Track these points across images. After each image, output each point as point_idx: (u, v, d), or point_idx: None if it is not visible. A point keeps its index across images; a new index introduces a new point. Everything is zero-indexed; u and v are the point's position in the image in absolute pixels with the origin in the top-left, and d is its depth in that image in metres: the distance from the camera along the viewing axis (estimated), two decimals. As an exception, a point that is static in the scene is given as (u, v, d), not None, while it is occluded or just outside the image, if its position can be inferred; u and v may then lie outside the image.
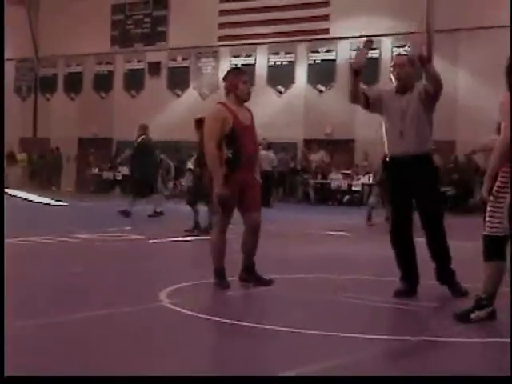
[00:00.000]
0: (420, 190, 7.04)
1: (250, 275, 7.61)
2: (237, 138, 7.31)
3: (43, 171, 33.11)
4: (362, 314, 6.53)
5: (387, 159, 7.29)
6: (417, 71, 7.12)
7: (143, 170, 16.78)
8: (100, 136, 32.59)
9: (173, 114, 31.01)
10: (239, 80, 7.55)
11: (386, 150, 7.26)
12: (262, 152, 20.45)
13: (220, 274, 7.47)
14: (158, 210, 16.97)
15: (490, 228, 5.90)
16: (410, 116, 7.07)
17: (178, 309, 6.27)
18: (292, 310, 6.58)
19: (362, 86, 7.39)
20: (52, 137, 33.76)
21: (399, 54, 8.55)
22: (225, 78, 7.66)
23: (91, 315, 5.98)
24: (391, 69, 7.25)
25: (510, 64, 5.97)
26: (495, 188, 5.90)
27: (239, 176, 7.31)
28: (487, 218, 5.93)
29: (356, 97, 7.30)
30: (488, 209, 5.95)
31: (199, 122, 13.04)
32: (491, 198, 5.91)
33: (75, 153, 33.53)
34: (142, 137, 16.92)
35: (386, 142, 7.26)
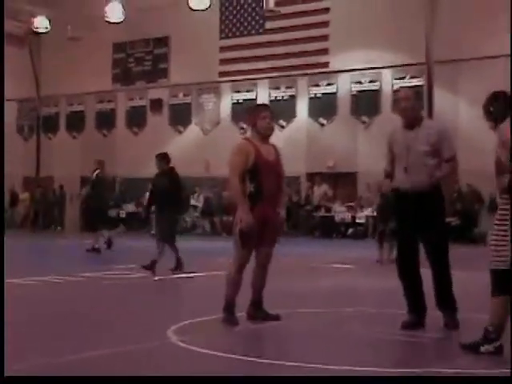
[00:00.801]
0: (425, 222, 7.04)
1: (257, 311, 7.61)
2: (259, 172, 7.39)
3: (47, 210, 33.12)
4: (370, 347, 6.51)
5: (394, 192, 7.32)
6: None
7: (96, 203, 17.75)
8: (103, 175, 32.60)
9: (175, 150, 30.97)
10: (257, 116, 7.63)
11: (394, 183, 7.29)
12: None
13: (230, 309, 7.46)
14: (96, 246, 17.39)
15: (495, 262, 5.90)
16: (415, 153, 7.08)
17: (187, 346, 6.25)
18: (303, 345, 6.57)
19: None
20: (55, 175, 33.84)
21: (403, 87, 8.65)
22: (246, 115, 7.82)
23: (100, 354, 5.97)
24: (397, 103, 7.32)
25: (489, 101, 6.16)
26: (497, 218, 5.92)
27: (260, 210, 7.36)
28: (492, 252, 5.93)
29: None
30: (491, 241, 5.96)
31: (161, 156, 13.49)
32: (494, 231, 5.93)
33: (78, 191, 33.57)
34: (97, 172, 17.86)
35: (395, 176, 7.30)
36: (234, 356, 5.96)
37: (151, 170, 31.36)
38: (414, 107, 7.22)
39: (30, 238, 20.56)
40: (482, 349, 5.91)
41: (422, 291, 7.18)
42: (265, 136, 7.61)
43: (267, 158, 7.51)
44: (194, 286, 11.46)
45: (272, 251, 7.60)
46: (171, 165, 13.57)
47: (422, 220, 7.04)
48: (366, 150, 26.61)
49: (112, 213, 30.77)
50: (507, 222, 5.86)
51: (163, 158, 13.57)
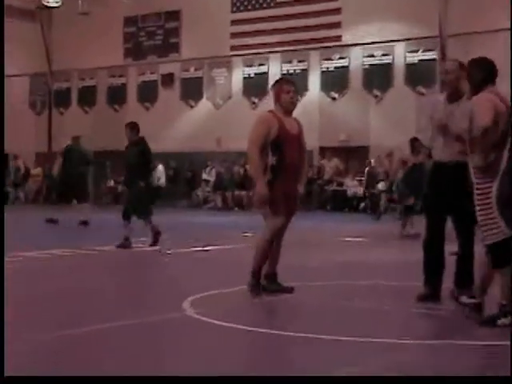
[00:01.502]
0: (461, 196, 6.87)
1: (272, 283, 7.62)
2: (282, 145, 7.39)
3: (61, 185, 33.05)
4: (386, 320, 6.51)
5: (433, 164, 7.25)
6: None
7: (67, 176, 17.72)
8: (115, 149, 32.63)
9: (187, 125, 31.09)
10: (281, 90, 7.64)
11: (433, 156, 7.22)
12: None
13: (257, 277, 7.46)
14: (83, 219, 17.18)
15: (490, 236, 5.91)
16: (456, 127, 6.90)
17: (203, 318, 6.26)
18: (318, 317, 6.59)
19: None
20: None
21: (450, 60, 8.49)
22: (271, 88, 7.84)
23: (116, 325, 6.00)
24: (442, 75, 7.23)
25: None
26: (478, 198, 5.93)
27: (282, 183, 7.38)
28: (483, 229, 5.97)
29: None
30: (480, 221, 5.99)
31: (131, 126, 12.88)
32: (477, 209, 5.93)
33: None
34: (67, 144, 18.02)
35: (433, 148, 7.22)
36: (246, 328, 5.97)
37: (163, 144, 31.47)
38: (457, 79, 7.05)
39: (43, 212, 20.59)
40: (499, 322, 5.93)
41: (444, 265, 7.16)
42: (288, 110, 7.61)
43: (291, 130, 7.51)
44: (207, 259, 11.47)
45: (287, 225, 7.59)
46: (141, 135, 13.00)
47: (458, 193, 6.92)
48: (378, 125, 26.52)
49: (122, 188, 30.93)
50: (489, 200, 5.88)
51: (133, 127, 12.96)
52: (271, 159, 7.39)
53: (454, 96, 7.07)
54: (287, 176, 7.42)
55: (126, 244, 12.18)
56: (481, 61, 6.31)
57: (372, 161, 25.76)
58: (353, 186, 26.73)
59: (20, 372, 4.22)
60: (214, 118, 30.21)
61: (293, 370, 4.77)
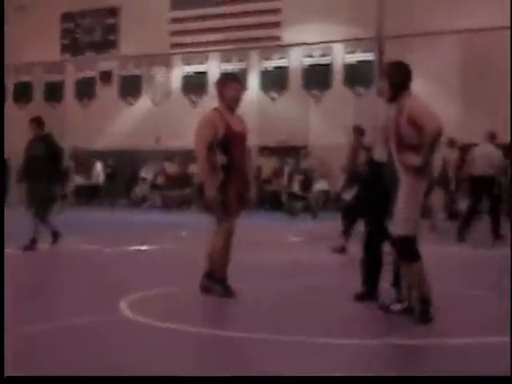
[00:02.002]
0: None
1: (213, 283, 7.48)
2: (230, 144, 7.36)
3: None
4: (325, 318, 6.53)
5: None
6: None
7: None
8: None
9: (126, 123, 30.82)
10: (224, 87, 7.58)
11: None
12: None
13: (210, 277, 7.40)
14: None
15: (404, 227, 6.13)
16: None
17: (141, 319, 6.18)
18: (256, 317, 6.56)
19: None
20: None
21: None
22: (216, 85, 7.72)
23: (47, 328, 5.88)
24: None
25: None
26: (405, 192, 6.12)
27: (235, 183, 7.34)
28: (402, 221, 6.15)
29: None
30: (399, 211, 6.17)
31: (37, 121, 12.24)
32: (403, 200, 6.15)
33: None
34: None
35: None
36: (186, 328, 5.91)
37: (101, 142, 31.18)
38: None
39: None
40: (393, 307, 6.42)
41: (382, 264, 7.22)
42: (232, 107, 7.56)
43: (237, 129, 7.48)
44: (146, 258, 11.38)
45: (234, 223, 7.54)
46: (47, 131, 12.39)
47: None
48: (317, 125, 26.66)
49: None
50: (418, 197, 6.11)
51: (38, 122, 12.27)
52: (221, 159, 7.34)
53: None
54: (238, 175, 7.40)
55: (30, 246, 11.58)
56: (400, 64, 6.41)
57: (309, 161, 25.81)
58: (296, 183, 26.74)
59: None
60: (153, 116, 30.00)
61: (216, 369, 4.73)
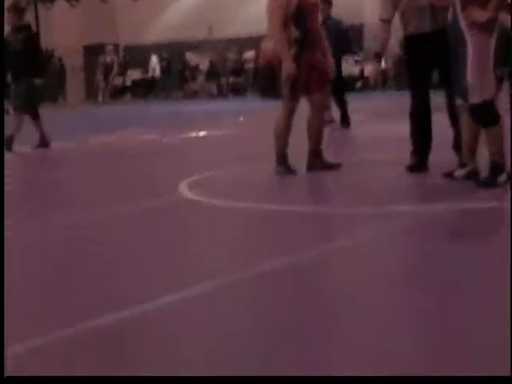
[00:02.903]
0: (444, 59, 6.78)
1: (316, 160, 7.34)
2: (304, 15, 7.06)
3: (50, 84, 32.70)
4: (379, 190, 6.45)
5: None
6: None
7: None
8: (105, 42, 32.11)
9: (177, 13, 30.49)
10: None
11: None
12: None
13: (283, 160, 7.22)
14: None
15: (478, 95, 5.80)
16: None
17: (200, 198, 6.18)
18: (322, 192, 6.53)
19: None
20: (56, 48, 33.29)
21: None
22: None
23: (116, 212, 5.92)
24: None
25: None
26: (472, 54, 5.79)
27: (308, 56, 7.10)
28: (472, 89, 5.82)
29: None
30: (469, 78, 5.84)
31: (14, 9, 11.00)
32: (470, 65, 5.80)
33: (81, 62, 33.11)
34: None
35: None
36: (243, 205, 5.88)
37: (154, 36, 30.94)
38: None
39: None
40: (499, 180, 5.90)
41: (431, 134, 7.05)
42: None
43: (310, 0, 7.16)
44: (205, 144, 11.37)
45: (325, 94, 7.35)
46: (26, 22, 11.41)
47: (439, 59, 6.78)
48: (373, 1, 25.94)
49: (115, 81, 30.58)
50: (485, 56, 5.76)
51: (15, 10, 11.04)
52: (294, 32, 7.05)
53: None
54: (313, 48, 7.12)
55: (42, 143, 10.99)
56: None
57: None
58: (348, 66, 26.32)
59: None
60: (204, 6, 29.57)
61: (288, 245, 4.70)
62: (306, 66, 7.10)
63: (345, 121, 11.84)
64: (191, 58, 28.73)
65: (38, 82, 10.81)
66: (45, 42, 33.47)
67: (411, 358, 2.71)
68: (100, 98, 26.77)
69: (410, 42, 7.04)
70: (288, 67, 7.04)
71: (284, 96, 7.20)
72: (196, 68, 29.16)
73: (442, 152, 6.97)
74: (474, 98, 5.86)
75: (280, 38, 7.07)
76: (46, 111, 17.27)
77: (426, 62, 6.94)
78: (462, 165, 6.34)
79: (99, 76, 29.25)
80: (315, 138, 7.35)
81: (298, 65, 7.05)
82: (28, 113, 10.84)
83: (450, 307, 3.22)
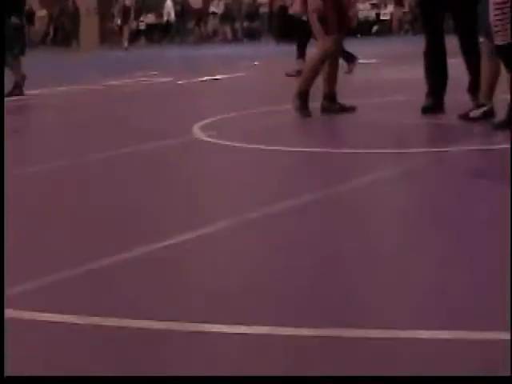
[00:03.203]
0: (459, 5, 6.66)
1: (331, 103, 7.30)
2: None
3: (64, 27, 32.54)
4: (396, 132, 6.41)
5: None
6: None
7: None
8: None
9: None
10: None
11: None
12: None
13: (304, 97, 7.09)
14: None
15: (501, 37, 5.67)
16: None
17: (214, 140, 6.15)
18: (336, 133, 6.51)
19: None
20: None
21: None
22: None
23: (124, 151, 5.91)
24: None
25: None
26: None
27: None
28: (495, 30, 5.69)
29: None
30: (492, 21, 5.70)
31: None
32: (492, 7, 5.66)
33: (95, 5, 32.82)
34: None
35: None
36: (260, 146, 5.85)
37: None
38: None
39: (52, 54, 20.36)
40: (472, 114, 6.03)
41: (447, 74, 6.95)
42: None
43: None
44: (219, 87, 11.30)
45: (336, 40, 7.23)
46: None
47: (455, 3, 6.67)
48: None
49: (131, 25, 30.34)
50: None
51: None
52: None
53: None
54: None
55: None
56: None
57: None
58: (364, 10, 26.04)
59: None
60: None
61: (312, 184, 4.68)
62: (335, 4, 7.02)
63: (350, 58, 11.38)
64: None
65: (14, 20, 9.95)
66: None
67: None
68: (126, 44, 26.36)
69: None
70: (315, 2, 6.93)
71: (319, 34, 7.09)
72: (202, 11, 28.85)
73: (456, 94, 6.89)
74: (498, 40, 5.75)
75: None
76: (59, 55, 17.20)
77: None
78: (478, 106, 6.28)
79: (117, 19, 28.92)
80: (329, 80, 7.29)
81: (325, 4, 6.95)
82: (12, 54, 9.85)
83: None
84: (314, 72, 7.21)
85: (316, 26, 7.13)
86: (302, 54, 11.04)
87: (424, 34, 7.13)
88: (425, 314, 2.48)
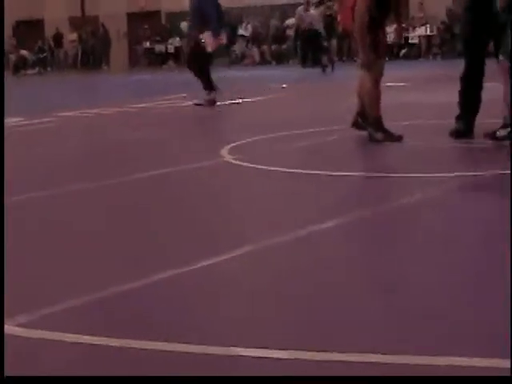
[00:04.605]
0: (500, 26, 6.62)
1: (365, 120, 7.21)
2: None
3: (95, 50, 32.87)
4: (425, 155, 6.37)
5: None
6: None
7: None
8: (148, 9, 32.06)
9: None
10: None
11: None
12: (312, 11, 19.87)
13: (381, 125, 7.01)
14: None
15: None
16: None
17: (242, 163, 6.15)
18: (361, 157, 6.48)
19: None
20: (100, 14, 33.31)
21: None
22: None
23: (153, 174, 5.93)
24: None
25: None
26: None
27: (384, 19, 7.06)
28: None
29: None
30: None
31: None
32: None
33: (125, 29, 33.11)
34: None
35: None
36: (286, 170, 5.85)
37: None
38: None
39: (82, 77, 20.55)
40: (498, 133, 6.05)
41: (481, 100, 6.89)
42: None
43: None
44: (248, 110, 11.32)
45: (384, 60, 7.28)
46: None
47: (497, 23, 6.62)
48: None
49: (160, 48, 30.57)
50: None
51: None
52: None
53: None
54: (388, 13, 7.05)
55: None
56: None
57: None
58: (392, 33, 25.99)
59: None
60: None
61: (330, 207, 4.66)
62: (383, 30, 7.08)
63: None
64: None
65: None
66: (90, 9, 33.63)
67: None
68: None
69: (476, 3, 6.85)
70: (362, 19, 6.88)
71: (369, 58, 7.04)
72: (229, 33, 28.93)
73: (485, 118, 6.86)
74: None
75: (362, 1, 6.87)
76: (89, 77, 17.36)
77: (487, 25, 6.73)
78: (504, 125, 6.24)
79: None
80: (365, 100, 7.20)
81: (376, 29, 6.94)
82: None
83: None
84: (374, 96, 7.12)
85: (365, 51, 7.03)
86: None
87: (464, 58, 7.06)
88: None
